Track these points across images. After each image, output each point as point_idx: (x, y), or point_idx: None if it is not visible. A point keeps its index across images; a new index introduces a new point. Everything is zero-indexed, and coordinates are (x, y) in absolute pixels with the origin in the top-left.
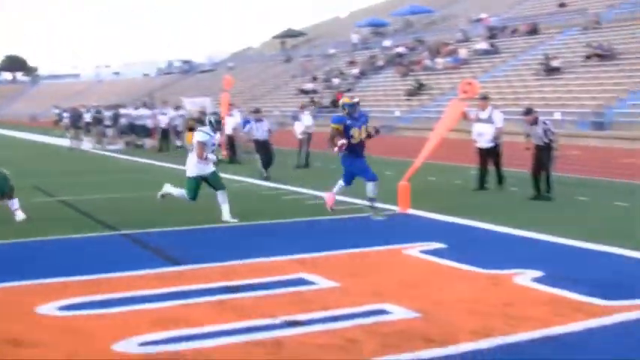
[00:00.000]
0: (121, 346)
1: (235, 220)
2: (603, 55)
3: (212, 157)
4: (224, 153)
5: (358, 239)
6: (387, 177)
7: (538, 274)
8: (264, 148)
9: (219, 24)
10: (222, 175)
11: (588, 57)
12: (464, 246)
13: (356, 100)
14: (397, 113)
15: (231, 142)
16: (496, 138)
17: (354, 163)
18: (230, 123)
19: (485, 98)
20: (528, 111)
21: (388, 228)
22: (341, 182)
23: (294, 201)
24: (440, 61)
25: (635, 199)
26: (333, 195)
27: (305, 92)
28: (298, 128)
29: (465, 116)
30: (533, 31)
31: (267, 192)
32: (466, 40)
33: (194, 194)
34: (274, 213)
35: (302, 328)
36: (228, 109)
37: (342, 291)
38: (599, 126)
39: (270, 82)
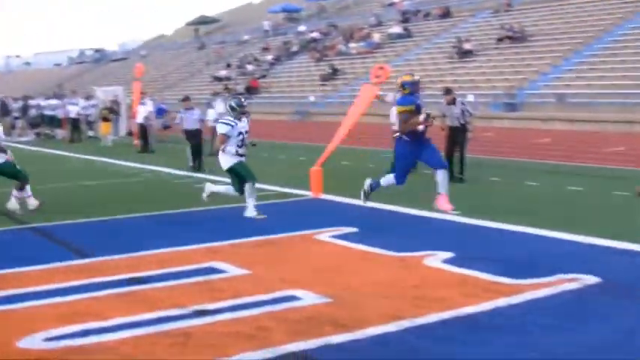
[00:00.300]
0: (25, 343)
1: (263, 217)
2: (515, 38)
3: (230, 149)
4: (135, 142)
5: (270, 226)
6: (301, 162)
7: (448, 255)
8: (194, 138)
9: (131, 11)
10: (135, 165)
11: (500, 39)
12: (376, 230)
13: (417, 77)
14: (312, 98)
15: (143, 132)
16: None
17: (421, 149)
18: (142, 112)
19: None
20: (447, 90)
21: (300, 213)
22: (389, 178)
23: None
24: (354, 46)
25: (545, 178)
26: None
27: (219, 79)
28: (211, 116)
29: (380, 99)
30: (446, 14)
31: (179, 181)
32: (379, 24)
33: (252, 175)
34: (187, 202)
35: (211, 317)
36: (140, 98)
37: (253, 278)
38: (512, 107)
39: (184, 70)
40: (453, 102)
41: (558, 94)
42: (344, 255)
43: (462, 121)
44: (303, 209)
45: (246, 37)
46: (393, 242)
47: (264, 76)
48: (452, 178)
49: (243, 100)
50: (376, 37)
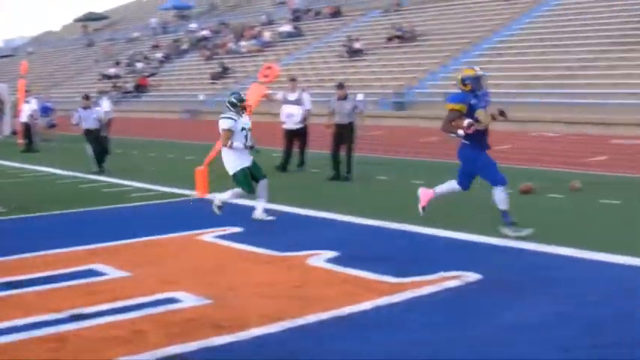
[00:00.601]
0: None
1: (271, 218)
2: (404, 37)
3: (238, 144)
4: (20, 141)
5: (154, 227)
6: (189, 162)
7: (332, 254)
8: (95, 138)
9: (18, 7)
10: (18, 164)
11: (390, 39)
12: (261, 229)
13: (481, 72)
14: (201, 97)
15: (27, 130)
16: (304, 119)
17: (479, 157)
18: (26, 110)
19: (293, 80)
20: (340, 85)
21: (185, 214)
22: (453, 184)
23: (91, 189)
24: (244, 44)
25: (432, 176)
26: (431, 193)
27: (108, 77)
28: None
29: (269, 98)
30: (337, 13)
31: (64, 181)
32: (271, 22)
33: (250, 186)
34: (70, 202)
35: (88, 321)
36: (25, 96)
37: (133, 281)
38: (401, 106)
39: (72, 68)
40: (344, 97)
41: (446, 93)
42: (227, 255)
43: (351, 119)
44: (187, 209)
45: (136, 35)
46: (277, 242)
47: (153, 74)
48: (338, 177)
49: (243, 94)
50: (267, 35)
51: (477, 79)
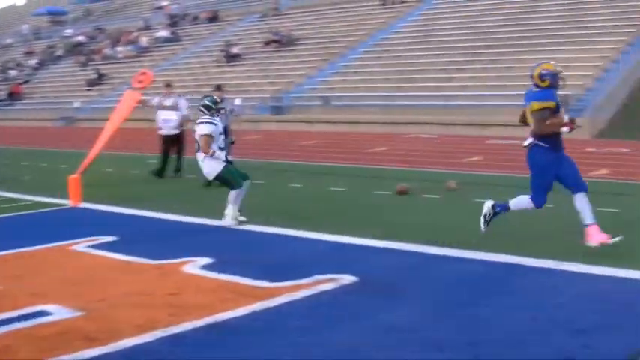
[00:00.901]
0: None
1: (239, 221)
2: (282, 42)
3: (220, 153)
4: None
5: (25, 238)
6: (63, 170)
7: (208, 260)
8: None
9: None
10: None
11: (267, 43)
12: (136, 238)
13: (559, 68)
14: (76, 104)
15: None
16: (181, 125)
17: (562, 162)
18: None
19: (169, 85)
20: (218, 87)
21: (58, 224)
22: (523, 200)
23: None
24: (121, 50)
25: (309, 179)
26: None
27: None
28: None
29: (144, 103)
30: (214, 18)
31: None
32: (148, 28)
33: (239, 181)
34: None
35: None
36: None
37: (1, 294)
38: (279, 110)
39: None
40: (221, 100)
41: (324, 96)
42: (100, 265)
43: (227, 123)
44: (60, 219)
45: (9, 41)
46: (152, 250)
47: (27, 82)
48: (211, 183)
49: (216, 97)
50: (144, 40)
51: (556, 75)
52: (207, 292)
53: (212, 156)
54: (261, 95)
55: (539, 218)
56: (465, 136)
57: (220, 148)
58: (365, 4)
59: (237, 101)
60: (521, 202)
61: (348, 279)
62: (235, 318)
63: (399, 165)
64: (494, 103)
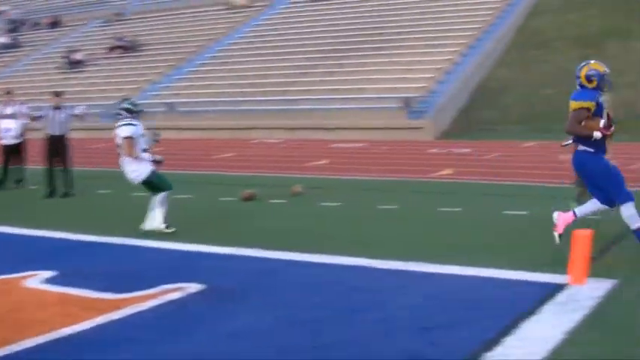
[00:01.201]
0: None
1: (173, 230)
2: (126, 47)
3: (146, 155)
4: None
5: None
6: None
7: (51, 274)
8: None
9: None
10: None
11: (111, 49)
12: None
13: (607, 69)
14: None
15: None
16: (22, 134)
17: (605, 165)
18: None
19: (9, 93)
20: (57, 93)
21: None
22: (590, 206)
23: None
24: None
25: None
26: (571, 217)
27: None
28: None
29: None
30: (56, 23)
31: None
32: None
33: (168, 182)
34: None
35: None
36: None
37: None
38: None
39: None
40: (59, 107)
41: (168, 103)
42: None
43: (66, 131)
44: None
45: None
46: None
47: None
48: (54, 194)
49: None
50: None
51: (604, 77)
52: (50, 306)
53: (136, 158)
54: (105, 102)
55: (384, 222)
56: (310, 140)
57: (144, 150)
58: (211, 9)
59: (81, 108)
60: (627, 211)
61: (195, 287)
62: (79, 332)
63: (245, 170)
64: (339, 106)
